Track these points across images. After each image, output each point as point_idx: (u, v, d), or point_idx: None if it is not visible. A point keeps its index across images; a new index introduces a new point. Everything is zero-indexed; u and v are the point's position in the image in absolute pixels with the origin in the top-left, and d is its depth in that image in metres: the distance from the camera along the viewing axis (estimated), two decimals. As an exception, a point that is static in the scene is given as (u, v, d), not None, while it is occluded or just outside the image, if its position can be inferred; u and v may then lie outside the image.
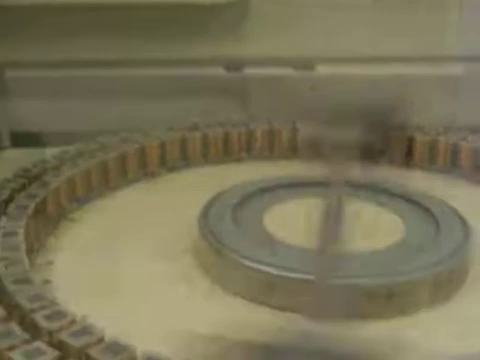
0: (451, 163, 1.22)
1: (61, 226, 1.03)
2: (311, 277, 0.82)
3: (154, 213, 1.07)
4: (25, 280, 0.79)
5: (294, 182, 1.08)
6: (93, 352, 0.67)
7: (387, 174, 1.19)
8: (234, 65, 1.36)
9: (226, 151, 1.25)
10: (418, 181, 1.16)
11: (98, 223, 1.05)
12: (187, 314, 0.84)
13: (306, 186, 1.05)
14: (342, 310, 0.76)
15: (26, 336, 0.69)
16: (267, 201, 1.03)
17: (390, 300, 0.83)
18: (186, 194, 1.11)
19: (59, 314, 0.72)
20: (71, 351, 0.67)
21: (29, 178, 1.04)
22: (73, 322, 0.71)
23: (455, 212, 0.99)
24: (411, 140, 1.24)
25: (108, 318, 0.75)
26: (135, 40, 1.30)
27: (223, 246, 0.90)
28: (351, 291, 0.83)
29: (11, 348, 0.67)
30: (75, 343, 0.68)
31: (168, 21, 1.30)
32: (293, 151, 1.27)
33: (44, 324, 0.70)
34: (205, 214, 0.98)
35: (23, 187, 1.02)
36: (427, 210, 1.00)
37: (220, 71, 1.37)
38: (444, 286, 0.87)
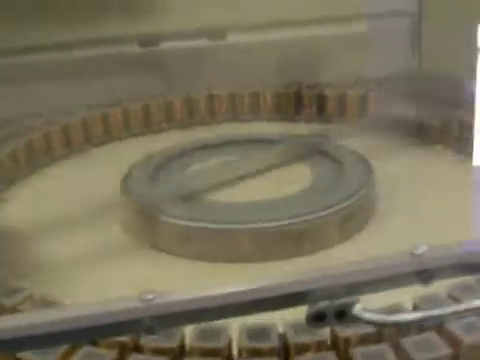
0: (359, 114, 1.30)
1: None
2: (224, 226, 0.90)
3: (80, 187, 1.12)
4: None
5: (209, 144, 1.16)
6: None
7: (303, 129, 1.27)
8: (149, 41, 1.41)
9: (146, 123, 1.31)
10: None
11: (28, 201, 1.10)
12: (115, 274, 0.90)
13: (220, 147, 1.13)
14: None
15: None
16: (185, 163, 1.10)
17: (302, 240, 0.91)
18: (110, 166, 1.17)
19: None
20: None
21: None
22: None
23: (358, 156, 1.07)
24: (322, 96, 1.32)
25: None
26: (49, 23, 1.33)
27: (143, 204, 0.96)
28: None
29: None
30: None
31: (79, 1, 1.34)
32: (211, 117, 1.34)
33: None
34: (128, 177, 1.04)
35: None
36: (333, 158, 1.08)
37: (135, 48, 1.42)
38: (349, 224, 0.95)
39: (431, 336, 0.65)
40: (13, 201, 1.11)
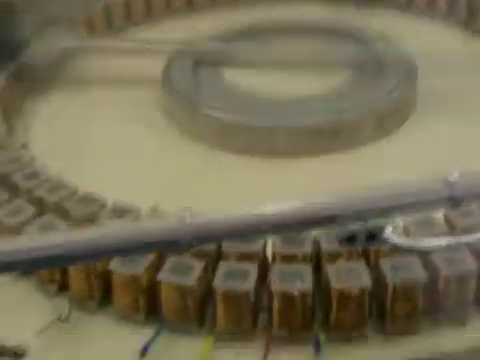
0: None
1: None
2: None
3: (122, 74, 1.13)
4: (2, 145, 0.87)
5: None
6: (67, 205, 0.76)
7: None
8: None
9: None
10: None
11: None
12: (157, 166, 0.92)
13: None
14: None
15: (6, 196, 0.78)
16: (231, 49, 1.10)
17: (335, 137, 0.92)
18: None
19: (35, 174, 0.81)
20: (48, 205, 0.76)
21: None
22: (48, 180, 0.80)
23: (399, 48, 1.05)
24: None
25: (81, 175, 0.84)
26: None
27: (185, 97, 0.98)
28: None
29: (-5, 207, 0.76)
30: (51, 198, 0.77)
31: None
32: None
33: (22, 183, 0.79)
34: (168, 68, 1.05)
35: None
36: (371, 48, 1.06)
37: None
38: (387, 122, 0.95)
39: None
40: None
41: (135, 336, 0.66)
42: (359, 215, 0.54)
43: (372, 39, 1.09)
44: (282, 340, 0.65)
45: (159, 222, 0.54)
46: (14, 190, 0.79)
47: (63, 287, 0.71)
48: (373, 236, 0.55)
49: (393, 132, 0.95)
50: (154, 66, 1.06)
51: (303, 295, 0.63)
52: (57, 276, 0.71)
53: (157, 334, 0.66)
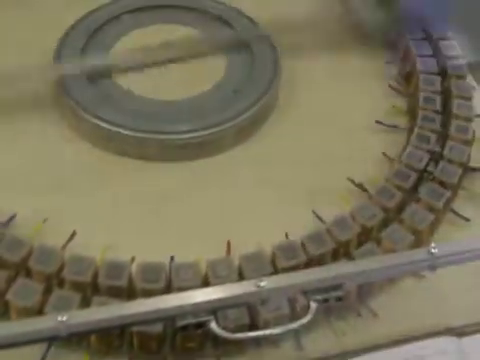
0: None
1: None
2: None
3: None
4: None
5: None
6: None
7: None
8: None
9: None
10: None
11: None
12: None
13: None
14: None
15: None
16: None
17: (200, 147, 1.09)
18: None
19: None
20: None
21: None
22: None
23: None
24: None
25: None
26: None
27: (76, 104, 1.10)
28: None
29: None
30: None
31: None
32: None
33: None
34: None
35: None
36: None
37: None
38: (247, 129, 1.12)
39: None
40: None
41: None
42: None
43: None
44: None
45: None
46: None
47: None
48: (200, 326, 0.76)
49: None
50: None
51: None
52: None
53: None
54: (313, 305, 0.77)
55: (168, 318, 0.75)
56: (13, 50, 1.21)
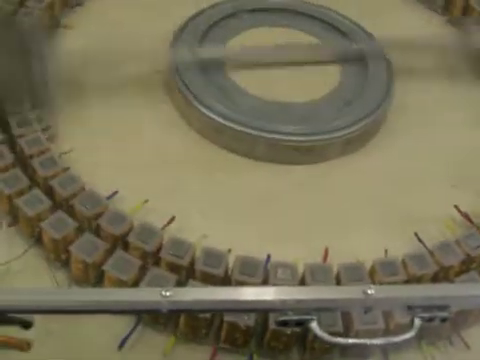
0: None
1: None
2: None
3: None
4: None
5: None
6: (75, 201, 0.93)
7: None
8: None
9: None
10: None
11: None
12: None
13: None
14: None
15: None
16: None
17: (308, 152, 1.08)
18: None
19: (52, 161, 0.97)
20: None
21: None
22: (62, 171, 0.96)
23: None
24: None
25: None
26: None
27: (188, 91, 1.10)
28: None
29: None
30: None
31: None
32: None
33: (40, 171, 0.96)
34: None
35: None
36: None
37: None
38: (355, 141, 1.10)
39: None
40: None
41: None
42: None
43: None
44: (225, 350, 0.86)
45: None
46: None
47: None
48: (302, 323, 0.74)
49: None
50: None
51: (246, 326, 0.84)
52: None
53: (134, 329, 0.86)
54: (417, 322, 0.74)
55: (271, 310, 0.74)
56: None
